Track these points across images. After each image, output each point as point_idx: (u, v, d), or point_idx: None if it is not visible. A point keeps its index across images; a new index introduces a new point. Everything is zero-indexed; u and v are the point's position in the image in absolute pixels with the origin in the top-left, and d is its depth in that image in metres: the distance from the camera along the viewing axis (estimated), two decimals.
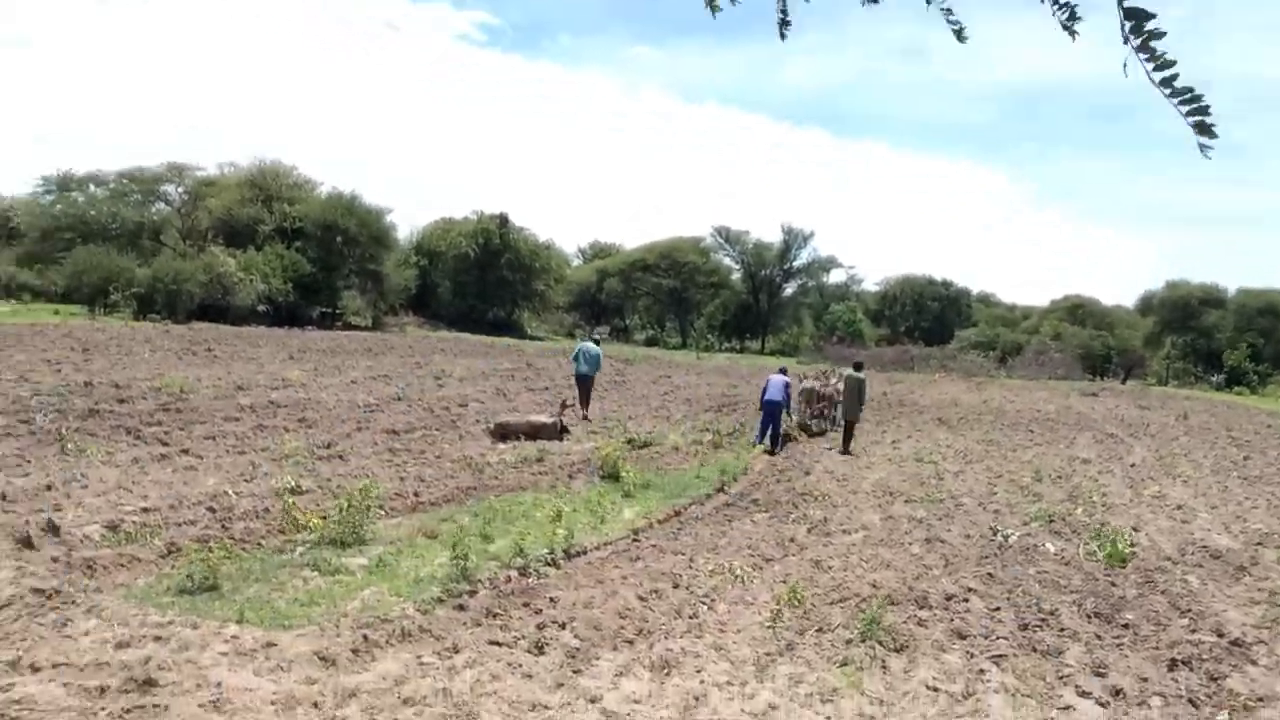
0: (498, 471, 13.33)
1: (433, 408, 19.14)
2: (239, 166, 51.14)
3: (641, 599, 7.93)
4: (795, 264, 68.19)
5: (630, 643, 6.94)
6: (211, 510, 9.84)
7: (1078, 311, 65.00)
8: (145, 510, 9.57)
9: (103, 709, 5.11)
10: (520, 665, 6.26)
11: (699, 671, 6.44)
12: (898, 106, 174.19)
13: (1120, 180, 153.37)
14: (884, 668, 6.75)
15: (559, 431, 16.71)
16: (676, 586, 8.42)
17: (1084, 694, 6.48)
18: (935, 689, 6.40)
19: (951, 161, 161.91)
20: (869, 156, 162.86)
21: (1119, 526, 11.80)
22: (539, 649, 6.61)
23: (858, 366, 18.86)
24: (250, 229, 46.07)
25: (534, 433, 16.41)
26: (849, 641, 7.19)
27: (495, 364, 31.30)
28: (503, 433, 16.36)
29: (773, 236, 68.39)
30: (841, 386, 20.63)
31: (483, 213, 58.50)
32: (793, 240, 66.93)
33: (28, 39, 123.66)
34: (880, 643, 7.14)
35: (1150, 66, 2.40)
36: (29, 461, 11.41)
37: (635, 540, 10.17)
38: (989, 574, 9.36)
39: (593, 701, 5.80)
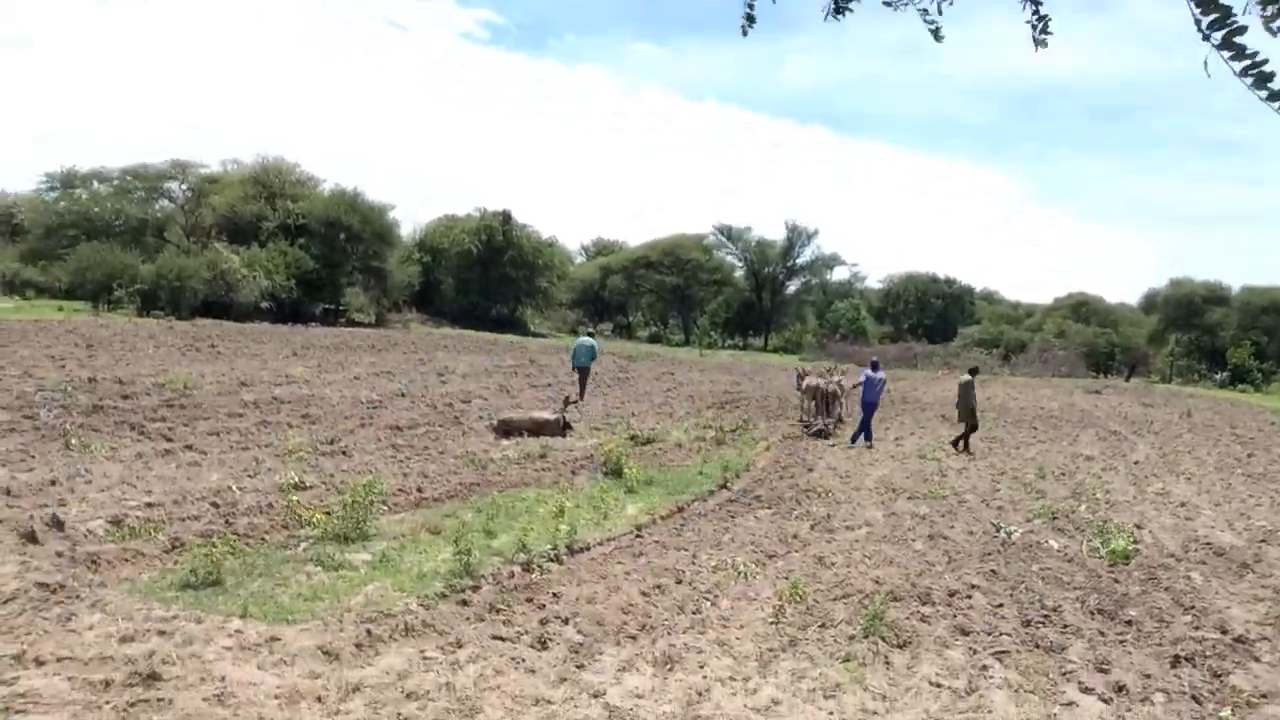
0: (501, 467, 13.34)
1: (436, 404, 19.15)
2: (242, 164, 51.19)
3: (644, 594, 7.94)
4: (798, 261, 68.18)
5: (633, 638, 6.95)
6: (215, 505, 9.85)
7: (1081, 309, 64.89)
8: (149, 505, 9.59)
9: (107, 703, 5.12)
10: (523, 660, 6.27)
11: (702, 667, 6.45)
12: (899, 105, 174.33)
13: (1123, 179, 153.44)
14: (887, 664, 6.75)
15: (562, 428, 16.72)
16: (679, 582, 8.43)
17: (1087, 690, 6.48)
18: (938, 685, 6.40)
19: (953, 160, 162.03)
20: (871, 155, 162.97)
21: (1122, 523, 11.79)
22: (542, 644, 6.62)
23: (974, 371, 19.38)
24: (254, 226, 46.09)
25: (537, 429, 16.42)
26: (852, 637, 7.19)
27: (498, 361, 31.31)
28: (506, 429, 16.38)
29: (776, 234, 68.44)
30: (847, 384, 20.95)
31: (486, 210, 58.50)
32: (796, 238, 66.91)
33: (28, 39, 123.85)
34: (883, 639, 7.14)
35: (1235, 64, 2.27)
36: (33, 457, 11.43)
37: (638, 536, 10.18)
38: (992, 571, 9.36)
39: (596, 696, 5.81)
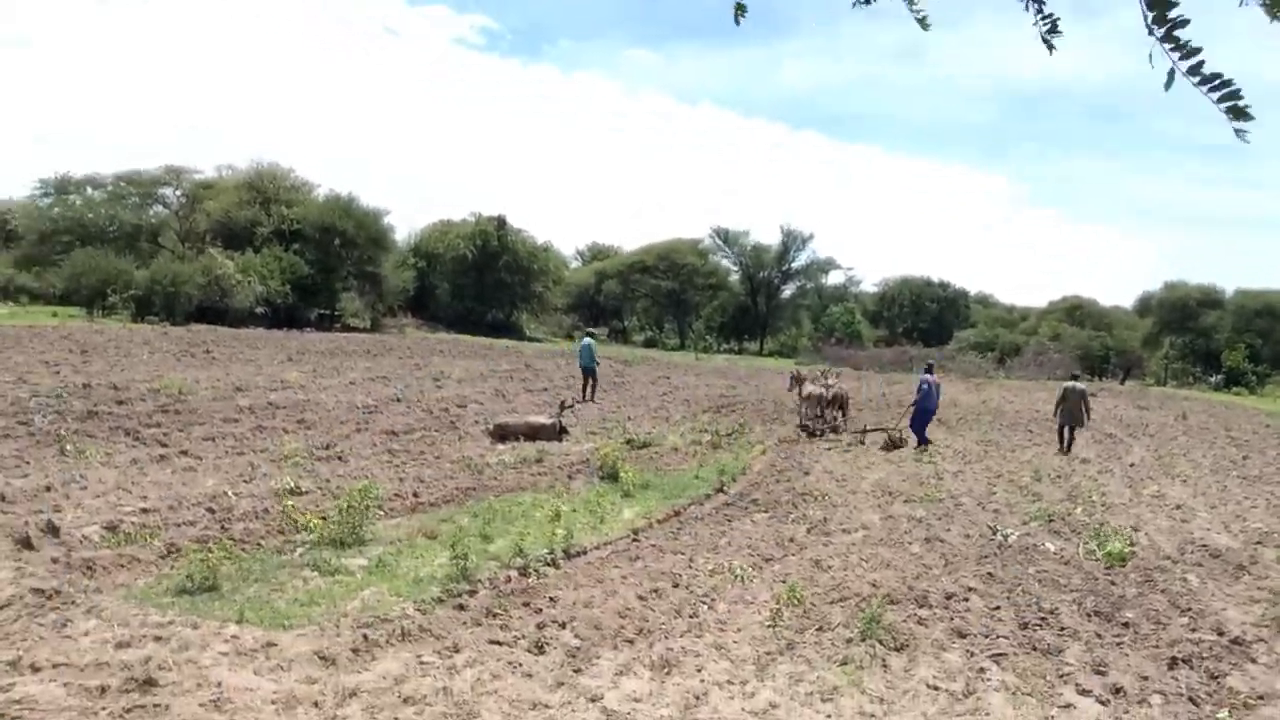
0: (497, 472, 13.34)
1: (432, 409, 19.14)
2: (237, 169, 51.16)
3: (641, 598, 7.93)
4: (794, 265, 68.14)
5: (630, 642, 6.94)
6: (211, 511, 9.84)
7: (1076, 312, 64.99)
8: (144, 511, 9.57)
9: (103, 709, 5.10)
10: (520, 664, 6.26)
11: (699, 670, 6.44)
12: (894, 108, 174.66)
13: (1117, 182, 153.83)
14: (884, 666, 6.75)
15: (558, 432, 16.72)
16: (676, 586, 8.42)
17: (1084, 692, 6.48)
18: (936, 687, 6.40)
19: (948, 163, 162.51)
20: (866, 158, 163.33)
21: (1118, 526, 11.81)
22: (539, 648, 6.61)
23: (1074, 377, 20.17)
24: (248, 231, 46.02)
25: (533, 433, 16.41)
26: (849, 640, 7.19)
27: (494, 365, 31.28)
28: (502, 433, 16.37)
29: (771, 238, 68.46)
30: (845, 387, 21.19)
31: (481, 214, 58.50)
32: (791, 242, 66.91)
33: (28, 39, 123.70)
34: (880, 642, 7.14)
35: (1177, 56, 2.40)
36: (28, 463, 11.40)
37: (635, 540, 10.17)
38: (989, 573, 9.36)
39: (593, 701, 5.80)
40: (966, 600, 8.42)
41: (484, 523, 10.19)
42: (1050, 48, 2.83)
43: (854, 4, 3.42)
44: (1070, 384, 19.77)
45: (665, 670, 6.40)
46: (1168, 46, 2.40)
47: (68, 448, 12.28)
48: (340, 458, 13.51)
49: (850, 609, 7.93)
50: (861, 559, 9.73)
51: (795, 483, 14.09)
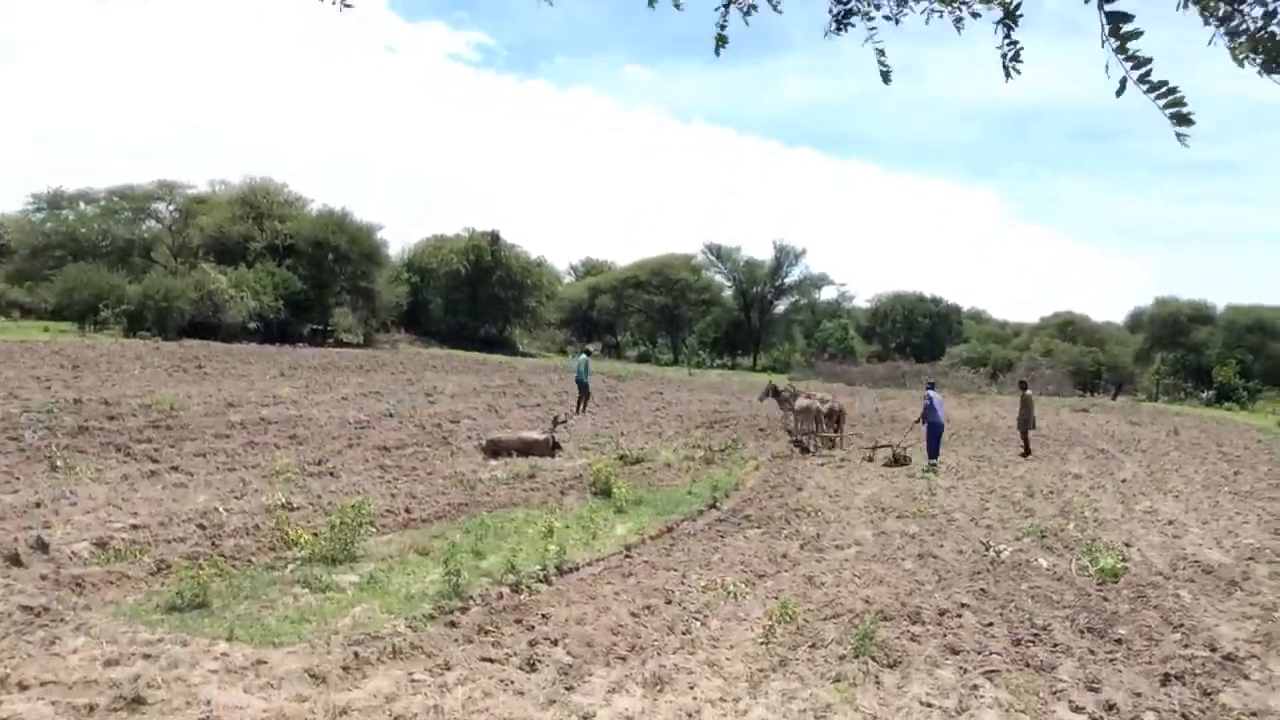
0: (489, 488, 13.31)
1: (424, 424, 19.10)
2: (230, 184, 51.27)
3: (634, 615, 7.90)
4: (787, 281, 68.37)
5: (623, 659, 6.91)
6: (201, 527, 9.79)
7: (1068, 328, 65.16)
8: (135, 527, 9.52)
9: None
10: (512, 682, 6.23)
11: (692, 688, 6.41)
12: (886, 127, 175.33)
13: (1108, 198, 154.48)
14: (877, 683, 6.73)
15: (551, 448, 16.70)
16: (669, 603, 8.40)
17: (1077, 709, 6.46)
18: (929, 704, 6.39)
19: (940, 180, 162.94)
20: (859, 175, 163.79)
21: (1111, 542, 11.81)
22: (531, 666, 6.58)
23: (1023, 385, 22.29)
24: (241, 246, 46.05)
25: (526, 449, 16.39)
26: (842, 657, 7.17)
27: (487, 381, 31.26)
28: (494, 449, 16.34)
29: (765, 254, 68.65)
30: (837, 405, 21.30)
31: (474, 230, 58.65)
32: (784, 257, 67.12)
33: (28, 39, 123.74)
34: (873, 658, 7.12)
35: (1129, 65, 2.60)
36: (18, 479, 11.35)
37: (627, 556, 10.15)
38: (982, 589, 9.35)
39: (585, 719, 5.78)
40: (959, 617, 8.40)
41: (476, 539, 10.16)
42: (1008, 74, 2.99)
43: (825, 34, 3.53)
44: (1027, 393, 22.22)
45: (658, 687, 6.37)
46: (1121, 57, 2.58)
47: (58, 463, 12.22)
48: (332, 473, 13.46)
49: (843, 625, 7.92)
50: (854, 575, 9.72)
51: (788, 499, 14.08)
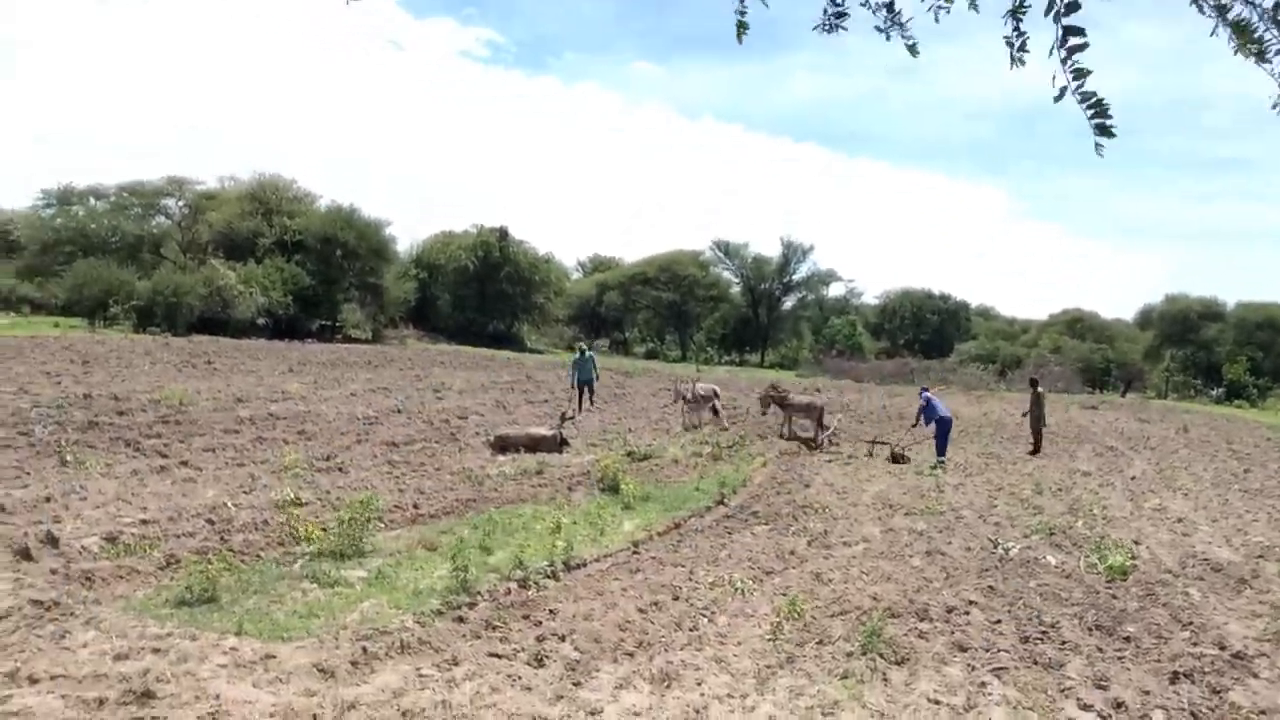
0: (497, 484, 13.32)
1: (432, 420, 19.13)
2: (239, 180, 51.36)
3: (641, 611, 7.91)
4: (795, 277, 68.19)
5: (630, 655, 6.92)
6: (210, 522, 9.83)
7: (1077, 325, 64.94)
8: (144, 522, 9.56)
9: None
10: (520, 677, 6.24)
11: (699, 684, 6.42)
12: (896, 123, 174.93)
13: (1118, 195, 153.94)
14: (885, 680, 6.72)
15: (558, 444, 16.71)
16: (676, 599, 8.40)
17: (1086, 707, 6.45)
18: (937, 701, 6.38)
19: (949, 177, 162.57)
20: (867, 172, 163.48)
21: (1120, 539, 11.78)
22: (539, 661, 6.59)
23: (1034, 382, 22.16)
24: (250, 242, 46.13)
25: (533, 445, 16.41)
26: (850, 654, 7.16)
27: (495, 377, 31.29)
28: (502, 445, 16.37)
29: (772, 250, 68.53)
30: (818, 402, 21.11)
31: (483, 226, 58.62)
32: (792, 254, 66.96)
33: (28, 39, 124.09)
34: (881, 655, 7.12)
35: (1070, 76, 2.83)
36: (28, 473, 11.40)
37: (635, 552, 10.15)
38: (990, 586, 9.34)
39: (593, 714, 5.78)
40: (967, 614, 8.39)
41: (484, 534, 10.17)
42: (1014, 63, 3.16)
43: (814, 27, 3.61)
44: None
45: (665, 683, 6.38)
46: (1065, 67, 2.82)
47: (68, 458, 12.27)
48: (340, 469, 13.50)
49: (851, 622, 7.91)
50: (862, 572, 9.71)
51: (796, 495, 14.07)
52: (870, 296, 79.37)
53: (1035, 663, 7.21)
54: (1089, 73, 2.82)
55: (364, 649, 6.40)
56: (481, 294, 56.36)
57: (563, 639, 7.06)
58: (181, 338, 35.71)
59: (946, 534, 11.79)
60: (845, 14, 3.61)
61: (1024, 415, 22.48)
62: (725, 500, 13.35)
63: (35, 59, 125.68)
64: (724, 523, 12.08)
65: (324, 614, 7.38)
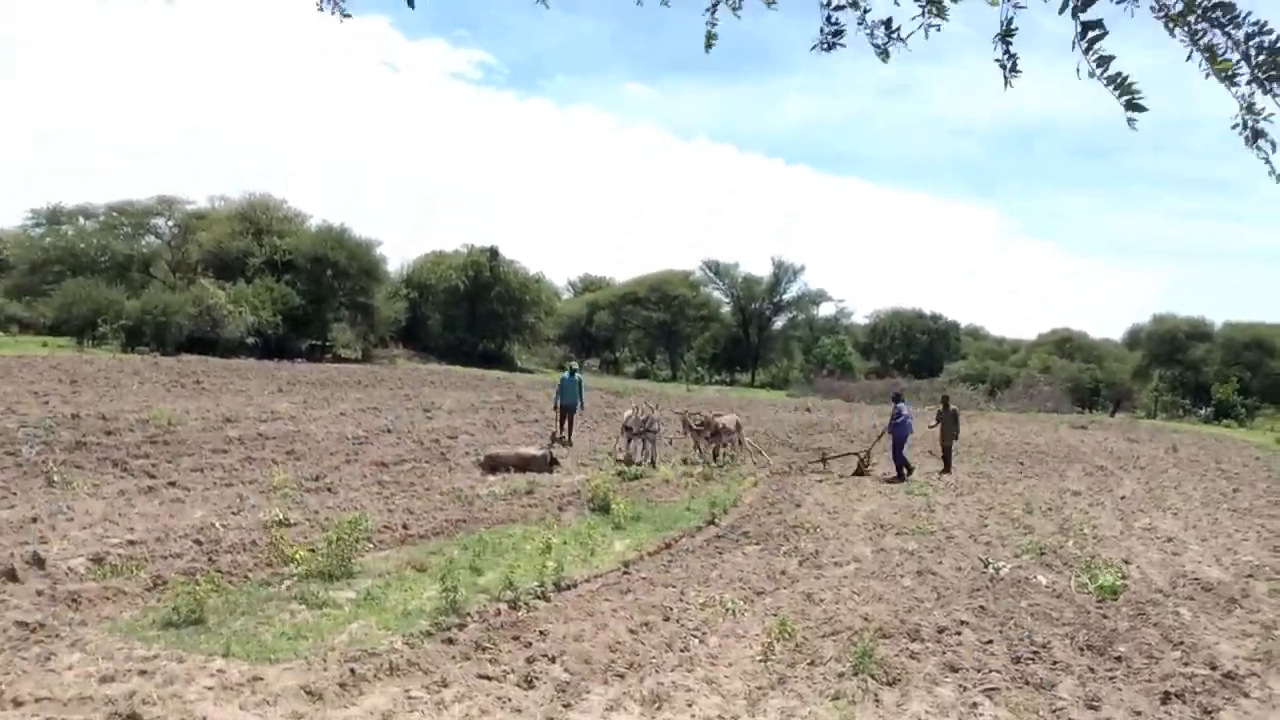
0: (487, 504, 13.28)
1: (422, 440, 19.08)
2: (230, 199, 51.37)
3: (632, 632, 7.87)
4: (785, 297, 68.54)
5: (621, 676, 6.88)
6: (198, 543, 9.77)
7: (1066, 345, 65.23)
8: (131, 543, 9.50)
9: None
10: (510, 699, 6.20)
11: (690, 705, 6.38)
12: (886, 144, 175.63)
13: (1106, 216, 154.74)
14: (876, 701, 6.70)
15: (549, 464, 16.69)
16: (667, 619, 8.37)
17: None
18: None
19: (939, 198, 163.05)
20: (858, 193, 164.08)
21: (1110, 559, 11.79)
22: (529, 683, 6.55)
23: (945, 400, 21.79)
24: (240, 261, 46.10)
25: (523, 465, 16.38)
26: (841, 675, 7.14)
27: (485, 396, 31.25)
28: (492, 465, 16.33)
29: (763, 270, 68.82)
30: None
31: (473, 245, 58.77)
32: (783, 274, 67.32)
33: (28, 39, 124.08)
34: (872, 676, 7.09)
35: (1094, 62, 2.97)
36: (14, 494, 11.33)
37: (625, 573, 10.12)
38: (981, 607, 9.33)
39: None
40: (959, 634, 8.38)
41: (474, 555, 10.13)
42: (1007, 83, 3.30)
43: (812, 47, 3.68)
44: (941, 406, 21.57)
45: (656, 705, 6.34)
46: (1089, 56, 2.97)
47: (55, 478, 12.20)
48: (329, 489, 13.44)
49: (842, 643, 7.89)
50: (853, 592, 9.69)
51: (787, 515, 14.06)
52: (860, 316, 79.75)
53: (1027, 683, 7.20)
54: (1112, 58, 2.95)
55: (352, 671, 6.35)
56: (472, 314, 56.41)
57: (553, 660, 7.02)
58: (170, 357, 35.58)
59: (937, 554, 11.78)
60: (842, 31, 3.68)
61: (930, 427, 22.04)
62: (716, 520, 13.33)
63: (35, 59, 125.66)
64: (715, 543, 12.05)
65: (312, 635, 7.33)
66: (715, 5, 3.78)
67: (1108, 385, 56.99)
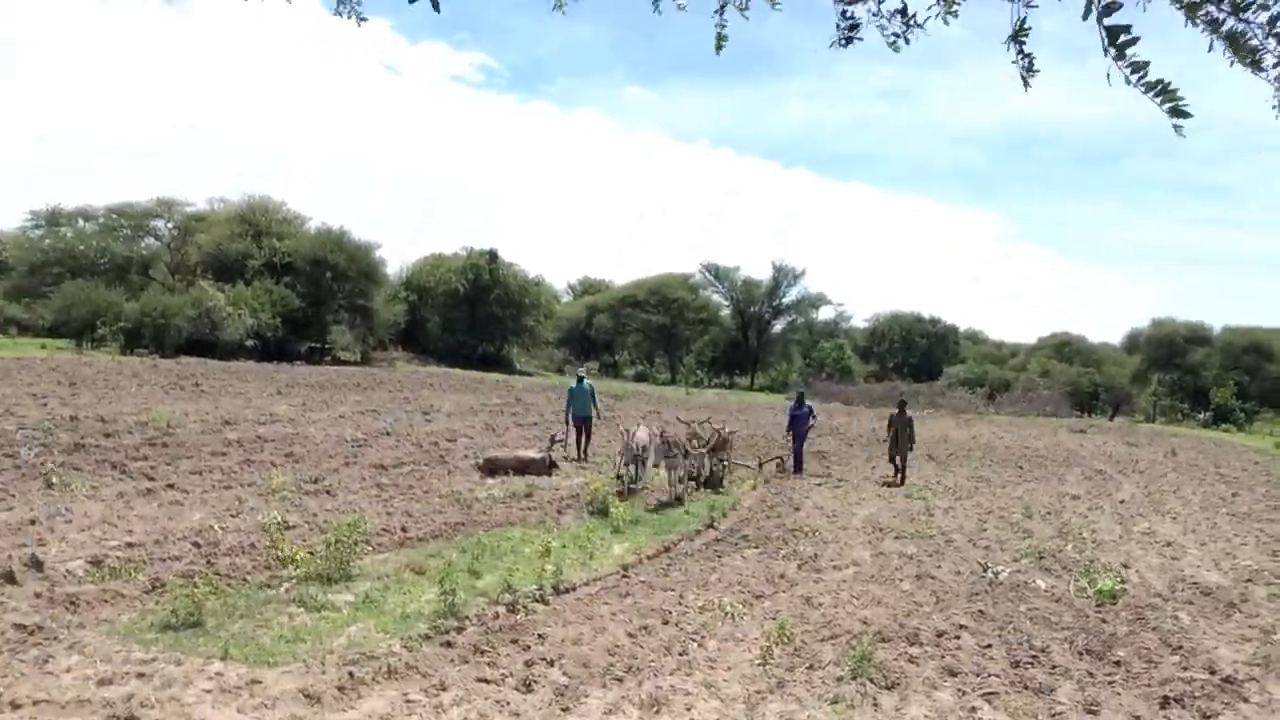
0: (486, 507, 13.27)
1: (421, 443, 19.06)
2: (229, 202, 51.34)
3: (631, 636, 7.87)
4: (784, 301, 68.47)
5: (619, 680, 6.88)
6: (197, 545, 9.76)
7: (1065, 349, 65.27)
8: (130, 545, 9.49)
9: None
10: (508, 703, 6.20)
11: (689, 709, 6.38)
12: (887, 148, 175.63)
13: (1106, 221, 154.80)
14: (875, 705, 6.69)
15: (548, 466, 16.67)
16: (666, 623, 8.36)
17: None
18: None
19: (940, 202, 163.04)
20: (858, 196, 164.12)
21: (1109, 563, 11.78)
22: (527, 686, 6.54)
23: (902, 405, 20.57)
24: (239, 264, 46.05)
25: (522, 468, 16.37)
26: (840, 679, 7.13)
27: (484, 399, 31.22)
28: (491, 468, 16.32)
29: (763, 273, 68.80)
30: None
31: (472, 248, 58.76)
32: (782, 277, 67.25)
33: (28, 39, 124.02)
34: (871, 680, 7.09)
35: (1128, 70, 2.84)
36: (13, 496, 11.32)
37: (624, 576, 10.12)
38: (980, 611, 9.32)
39: None
40: (958, 638, 8.37)
41: (473, 558, 10.13)
42: (1026, 85, 3.21)
43: (830, 44, 3.64)
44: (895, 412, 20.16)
45: (654, 709, 6.34)
46: (1121, 64, 2.84)
47: (53, 481, 12.18)
48: (328, 492, 13.43)
49: (841, 647, 7.88)
50: (852, 596, 9.68)
51: (786, 519, 14.05)
52: (860, 320, 79.69)
53: (1026, 687, 7.20)
54: (1148, 64, 2.83)
55: (350, 674, 6.35)
56: (471, 316, 56.39)
57: (551, 664, 7.01)
58: (169, 359, 35.55)
59: (936, 558, 11.78)
60: (858, 25, 3.64)
61: (883, 441, 21.21)
62: (715, 524, 13.33)
63: (35, 59, 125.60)
64: (714, 546, 12.05)
65: (310, 638, 7.32)
66: (723, 6, 3.78)
67: (1107, 389, 57.01)
